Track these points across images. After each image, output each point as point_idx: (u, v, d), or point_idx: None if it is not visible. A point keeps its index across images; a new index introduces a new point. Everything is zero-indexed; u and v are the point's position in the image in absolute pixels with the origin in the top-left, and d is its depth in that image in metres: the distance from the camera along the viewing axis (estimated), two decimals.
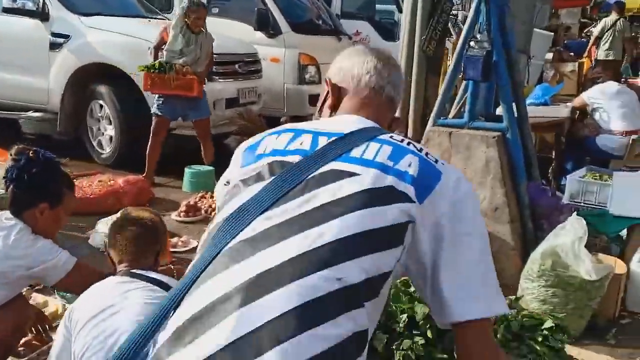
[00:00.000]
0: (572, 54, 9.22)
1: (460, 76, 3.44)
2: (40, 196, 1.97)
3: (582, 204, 3.79)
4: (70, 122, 5.61)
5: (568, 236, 2.68)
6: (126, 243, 1.85)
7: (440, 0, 4.35)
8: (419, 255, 1.07)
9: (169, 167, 5.53)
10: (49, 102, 5.57)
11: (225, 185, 1.21)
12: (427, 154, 1.15)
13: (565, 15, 13.43)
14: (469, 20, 3.34)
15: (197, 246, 3.61)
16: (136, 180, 4.63)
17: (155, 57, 4.81)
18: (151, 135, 4.89)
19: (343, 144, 1.13)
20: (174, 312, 1.01)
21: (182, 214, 4.27)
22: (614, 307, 2.93)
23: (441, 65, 4.72)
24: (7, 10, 5.42)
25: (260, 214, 1.05)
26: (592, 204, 3.76)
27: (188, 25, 4.71)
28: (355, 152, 1.11)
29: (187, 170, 5.03)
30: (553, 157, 5.11)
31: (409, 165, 1.10)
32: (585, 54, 9.51)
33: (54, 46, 5.42)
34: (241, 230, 1.04)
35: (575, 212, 3.52)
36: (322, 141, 1.14)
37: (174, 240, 3.73)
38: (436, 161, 1.14)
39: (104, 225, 3.71)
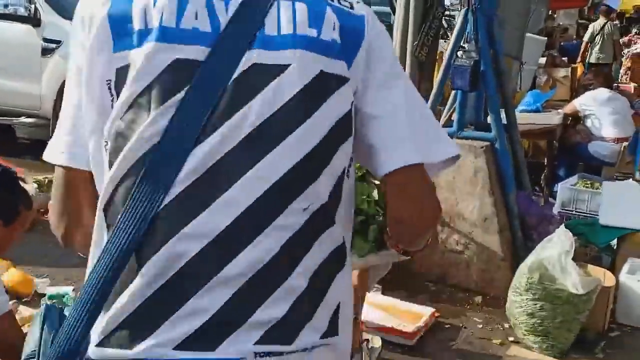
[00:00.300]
0: (565, 58, 9.22)
1: (449, 86, 3.43)
2: None
3: (573, 212, 3.79)
4: None
5: (555, 249, 2.67)
6: None
7: (432, 5, 4.34)
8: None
9: None
10: (42, 107, 5.55)
11: (77, 72, 0.93)
12: None
13: (562, 17, 13.40)
14: (456, 29, 3.33)
15: None
16: None
17: None
18: None
19: (249, 14, 0.88)
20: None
21: None
22: (603, 319, 2.91)
23: (434, 70, 4.72)
24: None
25: (193, 147, 0.84)
26: (584, 213, 3.75)
27: None
28: (270, 27, 0.89)
29: None
30: (545, 163, 5.10)
31: (333, 29, 0.91)
32: (579, 59, 9.54)
33: (45, 52, 5.39)
34: (172, 180, 0.84)
35: (566, 221, 3.52)
36: (219, 7, 0.89)
37: None
38: (351, 6, 0.96)
39: None
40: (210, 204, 0.84)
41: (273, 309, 0.84)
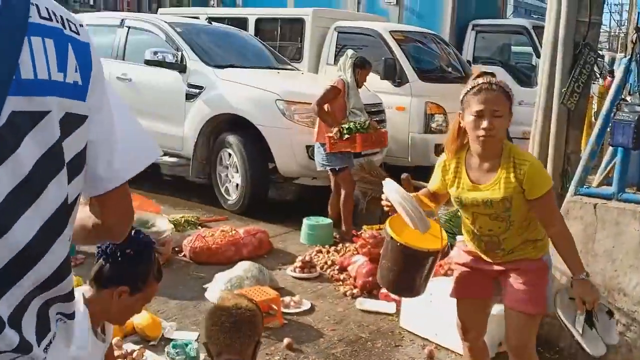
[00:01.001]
0: None
1: (608, 142, 3.04)
2: (125, 278, 1.88)
3: None
4: (202, 167, 5.88)
5: None
6: (223, 336, 1.75)
7: (582, 51, 3.94)
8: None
9: (289, 215, 5.57)
10: (183, 148, 5.88)
11: None
12: (67, 21, 0.94)
13: None
14: (616, 80, 2.97)
15: (310, 307, 3.59)
16: (256, 231, 4.66)
17: (320, 114, 4.76)
18: (338, 189, 4.88)
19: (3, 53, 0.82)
20: None
21: (297, 269, 4.20)
22: None
23: (584, 118, 4.28)
24: (148, 63, 5.81)
25: None
26: None
27: (356, 81, 4.88)
28: (25, 69, 0.85)
29: (305, 221, 4.99)
30: None
31: (76, 70, 0.93)
32: None
33: (189, 97, 5.73)
34: None
35: None
36: None
37: (287, 299, 3.64)
38: (76, 28, 0.96)
39: (220, 281, 3.74)
40: None
41: None
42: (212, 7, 10.87)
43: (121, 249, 1.85)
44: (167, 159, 6.12)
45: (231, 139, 5.51)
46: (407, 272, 2.34)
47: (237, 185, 5.52)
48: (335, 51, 7.20)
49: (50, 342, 0.96)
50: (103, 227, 1.08)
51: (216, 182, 5.75)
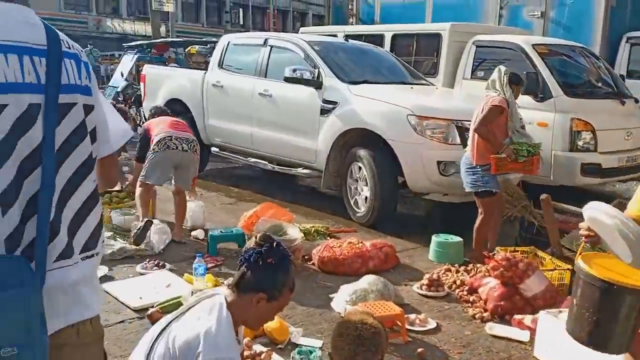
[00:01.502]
0: None
1: None
2: (264, 286, 2.00)
3: None
4: (333, 180, 6.02)
5: None
6: (348, 348, 1.79)
7: None
8: None
9: (418, 231, 5.49)
10: (317, 161, 6.06)
11: None
12: (76, 48, 1.50)
13: None
14: None
15: (436, 327, 3.50)
16: (383, 245, 4.66)
17: (487, 135, 4.42)
18: (490, 211, 4.57)
19: (54, 68, 1.39)
20: None
21: (423, 287, 4.12)
22: None
23: None
24: (288, 80, 6.09)
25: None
26: None
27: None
28: (64, 78, 1.41)
29: (434, 238, 4.88)
30: None
31: (86, 78, 1.48)
32: None
33: (323, 112, 5.90)
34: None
35: None
36: (37, 65, 1.37)
37: (412, 317, 3.58)
38: (80, 52, 1.51)
39: (345, 293, 3.78)
40: None
41: None
42: (351, 24, 11.14)
43: (263, 258, 1.98)
44: (301, 170, 6.36)
45: (362, 152, 5.57)
46: (616, 321, 1.93)
47: (366, 198, 5.56)
48: (473, 66, 7.02)
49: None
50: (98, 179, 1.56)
51: (346, 195, 5.84)
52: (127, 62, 13.06)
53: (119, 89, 12.13)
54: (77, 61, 1.46)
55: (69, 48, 1.46)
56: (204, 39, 17.13)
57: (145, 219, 4.68)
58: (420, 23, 9.09)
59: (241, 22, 41.02)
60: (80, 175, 1.43)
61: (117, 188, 5.73)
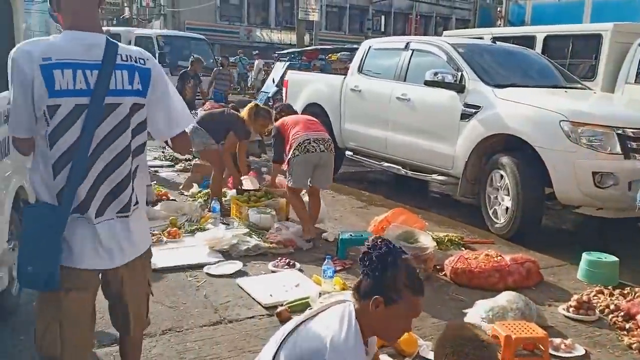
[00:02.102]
0: None
1: None
2: (378, 288, 1.91)
3: None
4: (470, 188, 5.70)
5: None
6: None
7: None
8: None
9: (564, 247, 5.01)
10: (454, 167, 5.79)
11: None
12: (137, 59, 2.01)
13: None
14: None
15: (584, 354, 3.12)
16: (525, 259, 4.29)
17: None
18: None
19: (103, 78, 1.92)
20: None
21: (571, 308, 3.71)
22: None
23: None
24: (428, 83, 5.90)
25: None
26: None
27: None
28: (112, 84, 1.93)
29: (585, 256, 4.40)
30: None
31: (139, 83, 1.99)
32: None
33: (464, 116, 5.61)
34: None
35: None
36: (88, 75, 1.89)
37: (557, 341, 3.23)
38: (143, 61, 2.03)
39: (481, 308, 3.52)
40: None
41: None
42: (499, 27, 10.63)
43: (370, 259, 1.91)
44: (436, 176, 6.12)
45: (505, 160, 5.21)
46: None
47: (507, 208, 5.18)
48: (639, 69, 6.30)
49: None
50: (175, 149, 2.33)
51: (484, 204, 5.50)
52: (279, 68, 13.67)
53: (269, 94, 12.75)
54: (131, 70, 1.96)
55: (126, 60, 1.96)
56: (346, 46, 17.44)
57: (310, 238, 4.90)
58: (577, 23, 8.40)
59: (382, 29, 41.18)
60: (119, 159, 1.96)
61: (255, 187, 5.93)
